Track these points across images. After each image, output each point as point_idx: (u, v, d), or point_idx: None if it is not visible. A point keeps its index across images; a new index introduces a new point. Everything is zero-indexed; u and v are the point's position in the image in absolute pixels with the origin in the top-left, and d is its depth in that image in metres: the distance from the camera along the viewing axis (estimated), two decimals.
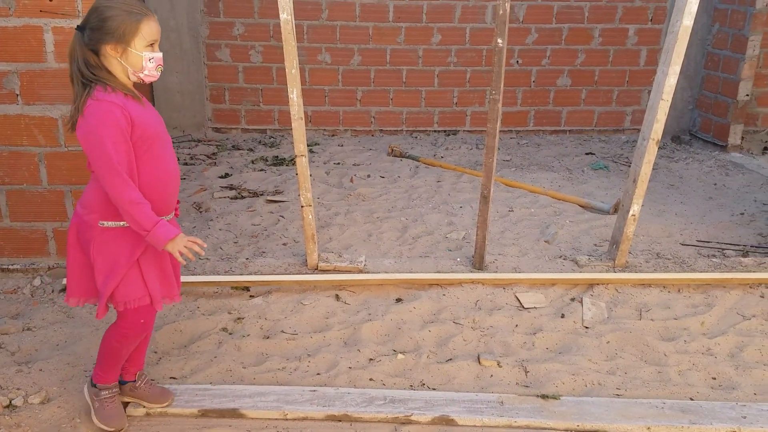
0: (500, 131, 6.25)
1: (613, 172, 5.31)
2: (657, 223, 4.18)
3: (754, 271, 3.45)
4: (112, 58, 1.97)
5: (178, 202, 2.22)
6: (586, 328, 3.02)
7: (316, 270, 3.39)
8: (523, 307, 3.19)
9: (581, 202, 4.54)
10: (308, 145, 5.84)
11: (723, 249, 3.81)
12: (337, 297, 3.20)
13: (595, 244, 3.87)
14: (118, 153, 1.92)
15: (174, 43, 5.75)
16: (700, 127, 6.11)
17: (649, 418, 2.35)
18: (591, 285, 3.35)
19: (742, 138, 5.87)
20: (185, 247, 2.03)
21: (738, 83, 5.54)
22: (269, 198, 4.50)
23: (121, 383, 2.36)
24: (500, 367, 2.72)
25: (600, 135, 6.35)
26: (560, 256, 3.69)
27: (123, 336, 2.18)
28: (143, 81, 2.04)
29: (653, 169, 5.34)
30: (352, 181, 4.96)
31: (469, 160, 5.53)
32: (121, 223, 2.03)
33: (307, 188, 3.19)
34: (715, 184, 5.00)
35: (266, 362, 2.70)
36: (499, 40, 2.80)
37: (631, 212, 3.36)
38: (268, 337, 2.88)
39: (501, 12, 2.75)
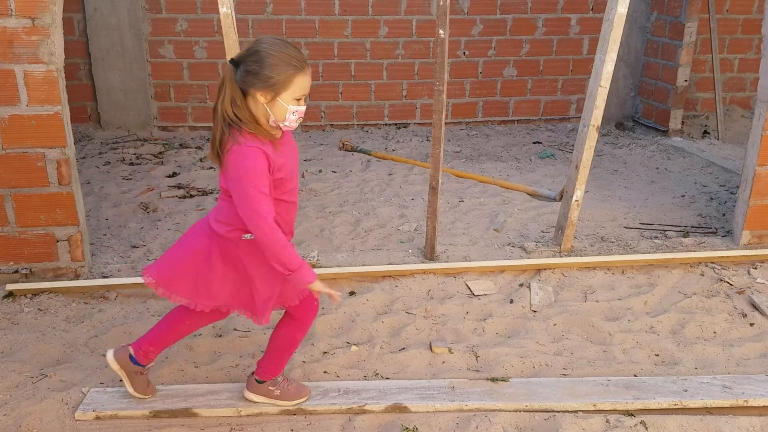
0: (450, 123, 6.33)
1: (559, 159, 5.43)
2: (601, 208, 4.30)
3: (694, 251, 3.59)
4: (259, 103, 1.95)
5: None
6: (534, 312, 3.09)
7: None
8: (473, 294, 3.24)
9: (529, 190, 4.64)
10: None
11: (665, 230, 3.95)
12: None
13: (543, 231, 3.95)
14: (258, 199, 1.93)
15: (115, 41, 5.61)
16: (642, 113, 6.29)
17: (594, 396, 2.42)
18: (539, 270, 3.43)
19: (683, 122, 6.07)
20: (319, 291, 2.08)
21: (677, 69, 5.73)
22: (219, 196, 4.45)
23: (259, 381, 2.39)
24: (452, 353, 2.76)
25: (547, 124, 6.47)
26: (509, 244, 3.76)
27: (304, 323, 2.30)
28: (280, 129, 2.03)
29: (598, 155, 5.50)
30: (303, 176, 4.95)
31: (420, 152, 5.57)
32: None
33: None
34: (657, 168, 5.17)
35: (219, 360, 2.68)
36: (441, 32, 2.83)
37: (574, 198, 3.44)
38: (220, 336, 2.86)
39: (441, 3, 2.78)
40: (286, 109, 1.96)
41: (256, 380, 2.38)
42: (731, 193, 4.51)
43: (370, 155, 5.46)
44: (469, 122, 6.40)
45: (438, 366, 2.69)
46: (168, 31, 5.74)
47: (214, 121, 1.97)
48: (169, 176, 4.86)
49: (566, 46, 6.21)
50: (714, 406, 2.36)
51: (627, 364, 2.69)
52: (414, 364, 2.69)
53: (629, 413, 2.36)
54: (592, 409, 2.37)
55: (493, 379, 2.55)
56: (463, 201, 4.49)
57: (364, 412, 2.37)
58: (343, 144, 5.62)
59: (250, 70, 1.91)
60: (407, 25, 6.00)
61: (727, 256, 3.51)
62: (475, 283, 3.32)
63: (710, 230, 3.91)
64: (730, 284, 3.30)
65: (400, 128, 6.29)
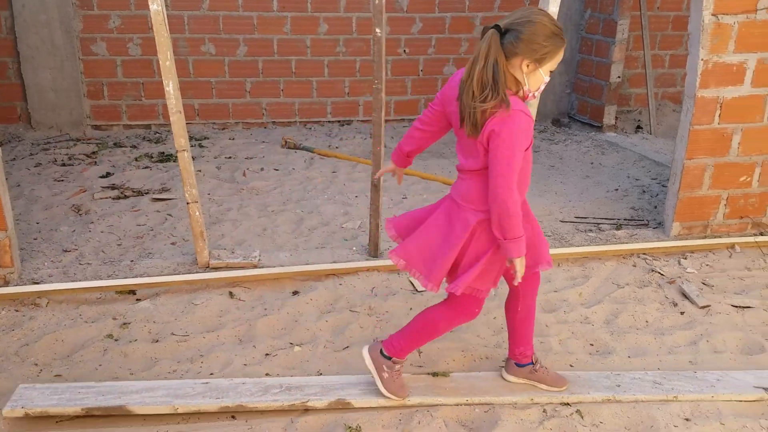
0: (393, 120, 6.35)
1: None
2: (538, 203, 4.40)
3: (626, 243, 3.71)
4: (518, 71, 1.98)
5: None
6: None
7: (207, 268, 3.31)
8: (416, 290, 3.27)
9: None
10: (197, 140, 5.68)
11: (599, 224, 4.07)
12: (231, 294, 3.15)
13: None
14: (517, 166, 1.98)
15: (45, 38, 5.39)
16: (577, 109, 6.46)
17: (532, 390, 2.47)
18: None
19: (616, 118, 6.26)
20: (520, 269, 2.07)
21: (610, 66, 5.90)
22: (155, 196, 4.34)
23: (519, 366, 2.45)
24: None
25: None
26: None
27: (454, 318, 2.29)
28: (524, 98, 2.04)
29: (535, 151, 5.62)
30: (244, 175, 4.88)
31: (363, 149, 5.57)
32: None
33: (192, 184, 3.11)
34: (591, 163, 5.32)
35: (155, 366, 2.62)
36: (378, 30, 2.84)
37: None
38: (157, 341, 2.79)
39: (377, 2, 2.78)
40: (542, 79, 2.02)
41: (516, 365, 2.46)
42: (662, 186, 4.69)
43: (313, 153, 5.42)
44: (411, 119, 6.43)
45: None
46: (100, 27, 5.56)
47: (467, 90, 1.97)
48: (103, 177, 4.71)
49: None
50: (645, 399, 2.45)
51: (563, 354, 2.77)
52: (358, 362, 2.68)
53: (566, 404, 2.42)
54: (530, 402, 2.42)
55: (435, 374, 2.58)
56: (406, 198, 4.51)
57: (307, 408, 2.35)
58: (286, 141, 5.57)
59: (524, 38, 1.93)
60: (347, 23, 5.99)
61: (659, 248, 3.65)
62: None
63: (642, 222, 4.06)
64: (662, 274, 3.43)
65: (343, 125, 6.27)
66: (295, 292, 3.19)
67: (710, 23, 3.38)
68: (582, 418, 2.36)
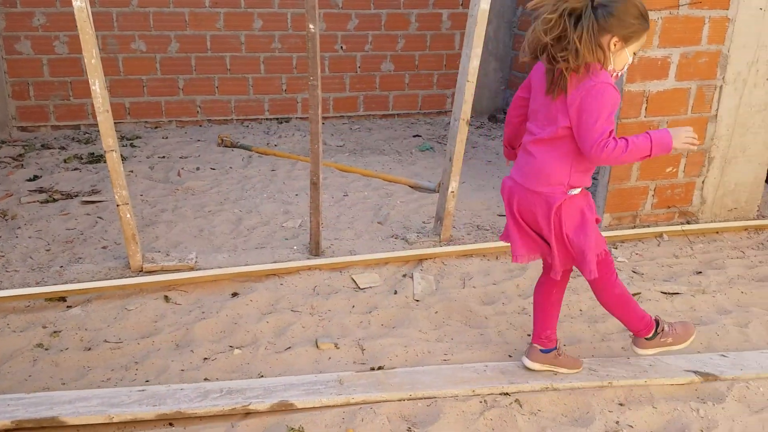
0: (333, 117, 6.32)
1: (438, 152, 5.58)
2: (477, 198, 4.47)
3: None
4: (606, 48, 2.04)
5: None
6: (417, 301, 3.16)
7: (141, 272, 3.22)
8: (359, 288, 3.26)
9: (410, 182, 4.73)
10: (129, 139, 5.50)
11: None
12: (167, 298, 3.07)
13: (424, 222, 4.05)
14: (609, 129, 2.05)
15: None
16: None
17: (473, 382, 2.51)
18: (420, 260, 3.51)
19: None
20: (686, 137, 2.08)
21: None
22: (85, 199, 4.18)
23: (544, 351, 2.57)
24: (338, 348, 2.77)
25: (425, 117, 6.63)
26: (393, 236, 3.82)
27: (608, 290, 2.39)
28: (618, 77, 2.15)
29: (473, 147, 5.71)
30: (179, 174, 4.76)
31: (303, 147, 5.52)
32: (578, 189, 2.23)
33: (122, 185, 3.00)
34: None
35: (88, 375, 2.52)
36: (311, 26, 2.81)
37: (450, 189, 3.55)
38: (89, 349, 2.69)
39: None
40: (627, 59, 2.10)
41: (540, 350, 2.55)
42: (594, 178, 4.84)
43: (251, 151, 5.34)
44: (351, 116, 6.43)
45: (324, 362, 2.68)
46: (24, 25, 5.31)
47: (562, 48, 2.02)
48: (30, 180, 4.50)
49: (439, 41, 6.38)
50: (581, 387, 2.52)
51: (502, 345, 2.82)
52: (300, 362, 2.67)
53: (505, 393, 2.47)
54: (472, 394, 2.46)
55: (378, 370, 2.58)
56: (347, 195, 4.50)
57: (249, 412, 2.32)
58: (222, 140, 5.46)
59: (616, 14, 2.00)
60: (282, 19, 5.92)
61: None
62: (360, 277, 3.35)
63: None
64: None
65: (281, 123, 6.20)
66: (235, 294, 3.13)
67: None
68: (521, 407, 2.41)
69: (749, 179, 4.05)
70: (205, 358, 2.67)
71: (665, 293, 3.27)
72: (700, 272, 3.48)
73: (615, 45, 2.05)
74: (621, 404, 2.44)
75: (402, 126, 6.37)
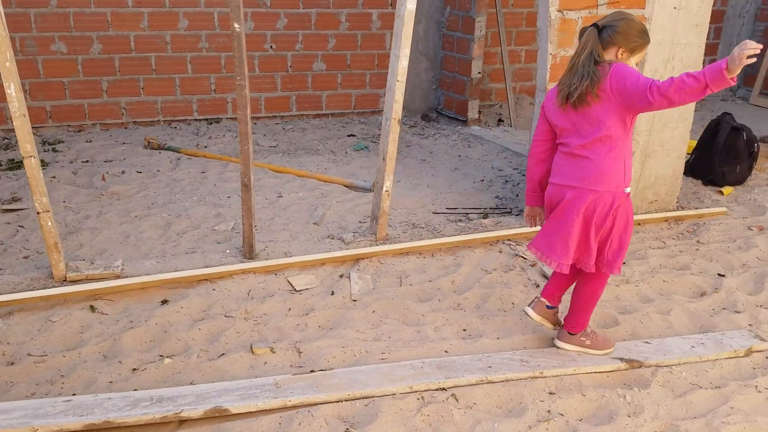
0: (265, 117, 6.24)
1: (373, 151, 5.60)
2: (412, 196, 4.51)
3: (492, 230, 3.89)
4: (613, 58, 2.43)
5: None
6: (354, 301, 3.16)
7: (64, 282, 3.09)
8: (295, 290, 3.23)
9: (346, 182, 4.73)
10: (50, 144, 5.27)
11: (467, 213, 4.24)
12: (93, 308, 2.95)
13: (360, 221, 4.05)
14: (639, 76, 2.35)
15: None
16: (444, 104, 6.69)
17: (410, 379, 2.53)
18: (357, 260, 3.51)
19: (480, 112, 6.55)
20: (739, 53, 2.12)
21: (471, 62, 6.15)
22: (5, 207, 3.97)
23: (549, 307, 2.81)
24: (274, 352, 2.74)
25: (359, 117, 6.63)
26: (329, 236, 3.80)
27: (601, 285, 2.67)
28: None
29: (407, 146, 5.76)
30: (104, 179, 4.59)
31: (234, 148, 5.43)
32: (629, 188, 2.51)
33: (42, 192, 2.87)
34: (459, 156, 5.53)
35: (11, 391, 2.40)
36: (236, 26, 2.77)
37: (384, 188, 3.57)
38: (12, 363, 2.56)
39: None
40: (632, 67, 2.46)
41: (569, 333, 2.75)
42: (523, 175, 4.96)
43: (180, 153, 5.21)
44: (284, 116, 6.36)
45: (260, 367, 2.64)
46: None
47: (573, 72, 2.43)
48: None
49: (370, 41, 6.40)
50: (514, 378, 2.59)
51: (438, 341, 2.86)
52: (234, 369, 2.62)
53: (442, 389, 2.50)
54: (409, 391, 2.48)
55: (315, 372, 2.57)
56: (282, 196, 4.46)
57: (182, 420, 2.26)
58: (149, 142, 5.30)
59: (620, 32, 2.40)
60: (209, 18, 5.80)
61: (521, 233, 3.86)
62: (296, 279, 3.32)
63: (506, 210, 4.28)
64: (525, 258, 3.63)
65: (211, 123, 6.08)
66: (164, 301, 3.05)
67: (557, 19, 3.61)
68: (457, 401, 2.45)
69: (668, 172, 4.24)
70: (135, 369, 2.58)
71: None
72: (624, 263, 3.63)
73: (622, 55, 2.43)
74: (552, 393, 2.52)
75: (336, 125, 6.36)
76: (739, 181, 4.77)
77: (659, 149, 4.16)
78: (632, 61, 2.46)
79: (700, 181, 4.84)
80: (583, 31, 2.48)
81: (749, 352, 2.81)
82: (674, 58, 3.97)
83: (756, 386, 2.61)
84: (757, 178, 4.96)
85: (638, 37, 2.44)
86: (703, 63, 4.16)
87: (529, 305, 2.83)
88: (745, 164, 4.77)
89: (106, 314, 2.93)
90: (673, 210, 4.34)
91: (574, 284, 2.77)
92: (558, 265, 2.56)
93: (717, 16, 7.37)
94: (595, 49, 2.41)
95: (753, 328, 3.04)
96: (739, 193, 4.68)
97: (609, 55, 2.44)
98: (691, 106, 4.14)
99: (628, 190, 2.51)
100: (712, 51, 7.54)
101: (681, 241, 3.94)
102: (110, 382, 2.49)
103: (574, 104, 2.44)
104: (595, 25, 2.45)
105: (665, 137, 4.15)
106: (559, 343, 2.79)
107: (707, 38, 4.08)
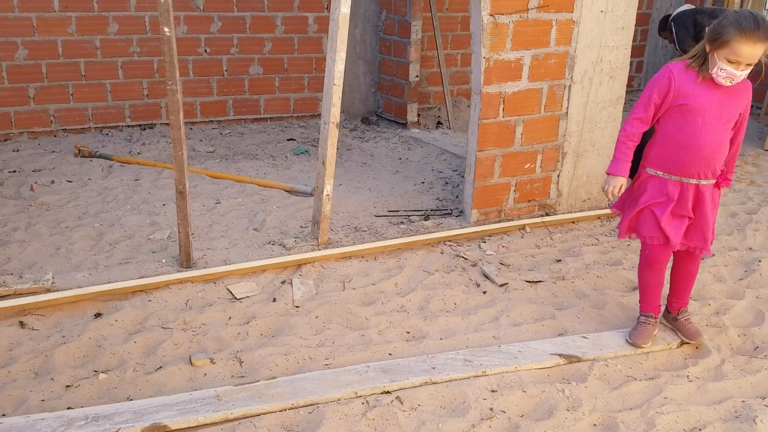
0: (201, 122, 6.12)
1: (313, 155, 5.56)
2: (354, 200, 4.50)
3: (434, 232, 3.93)
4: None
5: (722, 175, 2.71)
6: (297, 307, 3.13)
7: None
8: (235, 298, 3.18)
9: (286, 187, 4.68)
10: None
11: (409, 216, 4.27)
12: (22, 324, 2.82)
13: (301, 226, 4.02)
14: (648, 100, 2.67)
15: None
16: (383, 107, 6.71)
17: (355, 384, 2.52)
18: (299, 266, 3.48)
19: (419, 115, 6.61)
20: (606, 190, 2.82)
21: (408, 66, 6.20)
22: None
23: (668, 312, 3.02)
24: (214, 363, 2.68)
25: (299, 121, 6.59)
26: (270, 242, 3.75)
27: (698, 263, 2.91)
28: (715, 79, 2.53)
29: (348, 149, 5.75)
30: (32, 189, 4.40)
31: (169, 154, 5.29)
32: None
33: None
34: (400, 159, 5.56)
35: None
36: (166, 29, 2.70)
37: (325, 192, 3.55)
38: None
39: (163, 0, 2.65)
40: (716, 63, 2.47)
41: (667, 311, 3.01)
42: (462, 177, 5.03)
43: (112, 160, 5.05)
44: (221, 121, 6.25)
45: (200, 379, 2.58)
46: None
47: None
48: None
49: (307, 44, 6.36)
50: (458, 378, 2.61)
51: (382, 344, 2.86)
52: (173, 382, 2.55)
53: (387, 392, 2.50)
54: (354, 396, 2.47)
55: (258, 381, 2.52)
56: (220, 202, 4.37)
57: None
58: (79, 150, 5.12)
59: (705, 25, 2.55)
60: (140, 22, 5.64)
61: (461, 234, 3.92)
62: (236, 287, 3.26)
63: (446, 212, 4.33)
64: (465, 258, 3.68)
65: (145, 129, 5.91)
66: (98, 315, 2.94)
67: (489, 23, 3.68)
68: (402, 403, 2.45)
69: (600, 171, 4.38)
70: (68, 386, 2.48)
71: (529, 282, 3.47)
72: (560, 260, 3.73)
73: (708, 48, 2.51)
74: (494, 391, 2.56)
75: (275, 130, 6.29)
76: None
77: (590, 149, 4.30)
78: (717, 57, 2.49)
79: (630, 180, 5.01)
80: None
81: (681, 344, 2.93)
82: (602, 60, 4.10)
83: (687, 376, 2.72)
84: None
85: (725, 33, 2.44)
86: (630, 65, 4.32)
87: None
88: None
89: (36, 330, 2.81)
90: (606, 208, 4.48)
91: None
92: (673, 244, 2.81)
93: (643, 19, 7.67)
94: (697, 34, 2.92)
95: None
96: None
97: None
98: (620, 107, 4.29)
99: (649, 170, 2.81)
100: (639, 53, 7.84)
101: (613, 237, 4.08)
102: (42, 400, 2.38)
103: None
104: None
105: (596, 137, 4.28)
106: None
107: (634, 40, 4.26)
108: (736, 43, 2.38)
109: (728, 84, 2.52)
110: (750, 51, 2.38)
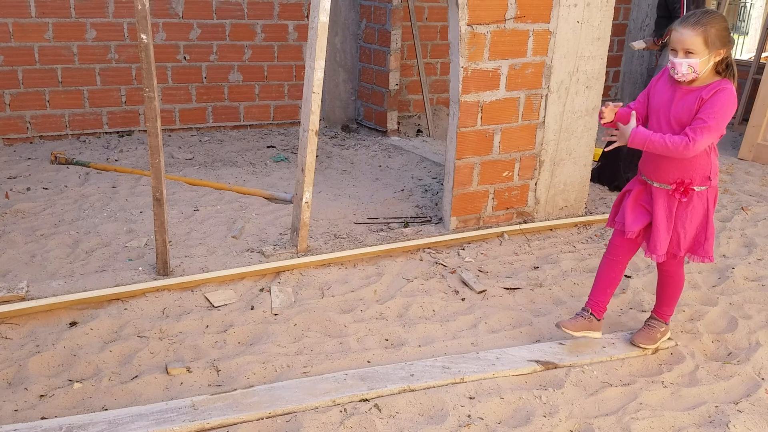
0: (180, 129, 6.09)
1: (293, 163, 5.56)
2: (333, 207, 4.50)
3: (413, 239, 3.95)
4: None
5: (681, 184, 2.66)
6: (275, 315, 3.12)
7: None
8: (213, 306, 3.16)
9: (265, 194, 4.66)
10: None
11: (389, 223, 4.28)
12: None
13: (281, 234, 4.01)
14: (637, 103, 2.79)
15: None
16: (363, 115, 6.73)
17: (333, 392, 2.52)
18: (278, 273, 3.47)
19: (399, 123, 6.63)
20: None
21: (388, 74, 6.23)
22: None
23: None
24: (190, 372, 2.66)
25: (279, 128, 6.58)
26: (248, 250, 3.74)
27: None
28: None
29: (328, 156, 5.75)
30: (7, 196, 4.34)
31: (147, 161, 5.25)
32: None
33: None
34: (380, 166, 5.58)
35: None
36: (144, 36, 2.69)
37: (304, 200, 3.55)
38: None
39: (140, 7, 2.64)
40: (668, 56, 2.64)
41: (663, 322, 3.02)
42: (441, 184, 5.06)
43: (89, 167, 5.00)
44: (200, 128, 6.22)
45: (176, 388, 2.56)
46: None
47: None
48: None
49: (287, 52, 6.36)
50: (436, 385, 2.62)
51: (361, 352, 2.86)
52: (149, 391, 2.53)
53: (365, 400, 2.50)
54: (332, 404, 2.46)
55: (235, 390, 2.51)
56: (198, 210, 4.34)
57: None
58: (56, 156, 5.06)
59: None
60: (118, 29, 5.60)
61: (440, 241, 3.93)
62: (214, 294, 3.24)
63: (426, 219, 4.35)
64: (444, 266, 3.70)
65: (123, 136, 5.86)
66: (73, 323, 2.90)
67: (467, 33, 3.71)
68: (380, 411, 2.45)
69: (576, 179, 4.43)
70: (42, 396, 2.45)
71: (507, 288, 3.49)
72: (537, 267, 3.76)
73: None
74: (472, 398, 2.57)
75: (255, 137, 6.28)
76: None
77: (567, 158, 4.35)
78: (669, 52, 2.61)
79: (606, 188, 5.08)
80: None
81: (656, 350, 2.97)
82: (579, 70, 4.16)
83: (662, 382, 2.75)
84: None
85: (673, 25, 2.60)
86: (607, 75, 4.38)
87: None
88: None
89: (10, 339, 2.77)
90: (582, 215, 4.54)
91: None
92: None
93: (619, 30, 7.79)
94: None
95: None
96: None
97: None
98: (596, 116, 4.35)
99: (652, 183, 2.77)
100: (615, 63, 7.95)
101: (590, 244, 4.13)
102: (15, 410, 2.34)
103: None
104: None
105: (572, 146, 4.34)
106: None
107: (610, 51, 4.32)
108: (674, 30, 2.53)
109: (677, 77, 2.56)
110: (677, 35, 2.50)
